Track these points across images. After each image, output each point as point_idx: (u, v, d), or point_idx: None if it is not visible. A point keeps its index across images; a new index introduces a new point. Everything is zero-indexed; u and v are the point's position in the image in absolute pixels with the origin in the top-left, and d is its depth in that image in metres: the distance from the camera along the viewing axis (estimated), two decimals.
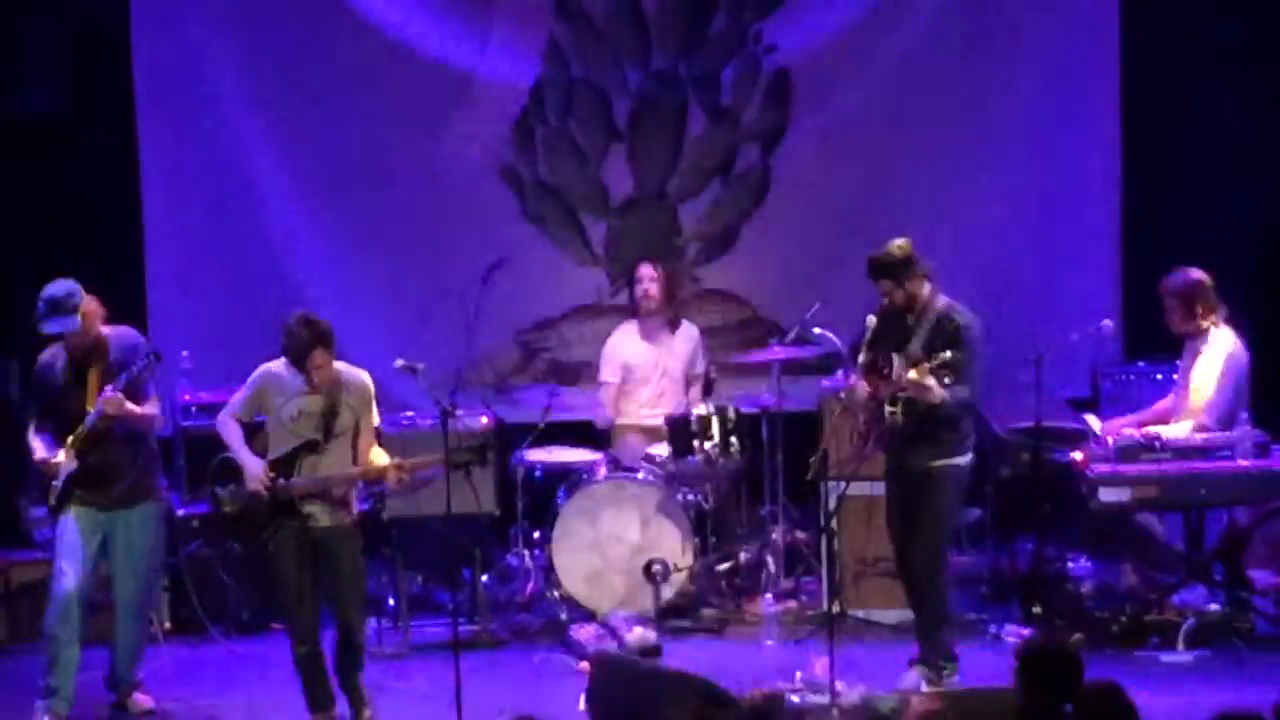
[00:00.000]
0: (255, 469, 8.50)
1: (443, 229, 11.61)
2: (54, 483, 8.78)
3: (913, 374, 8.66)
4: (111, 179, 11.29)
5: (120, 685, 9.07)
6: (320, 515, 8.51)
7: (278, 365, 8.55)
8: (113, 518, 8.84)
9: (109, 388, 8.65)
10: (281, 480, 8.47)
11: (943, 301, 8.97)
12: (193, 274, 11.49)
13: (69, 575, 8.78)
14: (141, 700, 9.13)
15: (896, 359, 8.78)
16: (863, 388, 8.97)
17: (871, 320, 8.98)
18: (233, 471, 8.60)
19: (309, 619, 8.56)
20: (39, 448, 8.84)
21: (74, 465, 8.73)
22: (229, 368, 10.90)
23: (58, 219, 11.05)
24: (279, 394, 8.51)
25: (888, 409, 8.80)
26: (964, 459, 8.98)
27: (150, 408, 8.82)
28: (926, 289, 8.96)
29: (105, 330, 8.84)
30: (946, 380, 8.65)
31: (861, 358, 8.99)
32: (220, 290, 11.48)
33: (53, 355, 8.86)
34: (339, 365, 8.51)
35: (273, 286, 11.42)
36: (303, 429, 8.49)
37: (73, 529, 8.80)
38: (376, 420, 8.67)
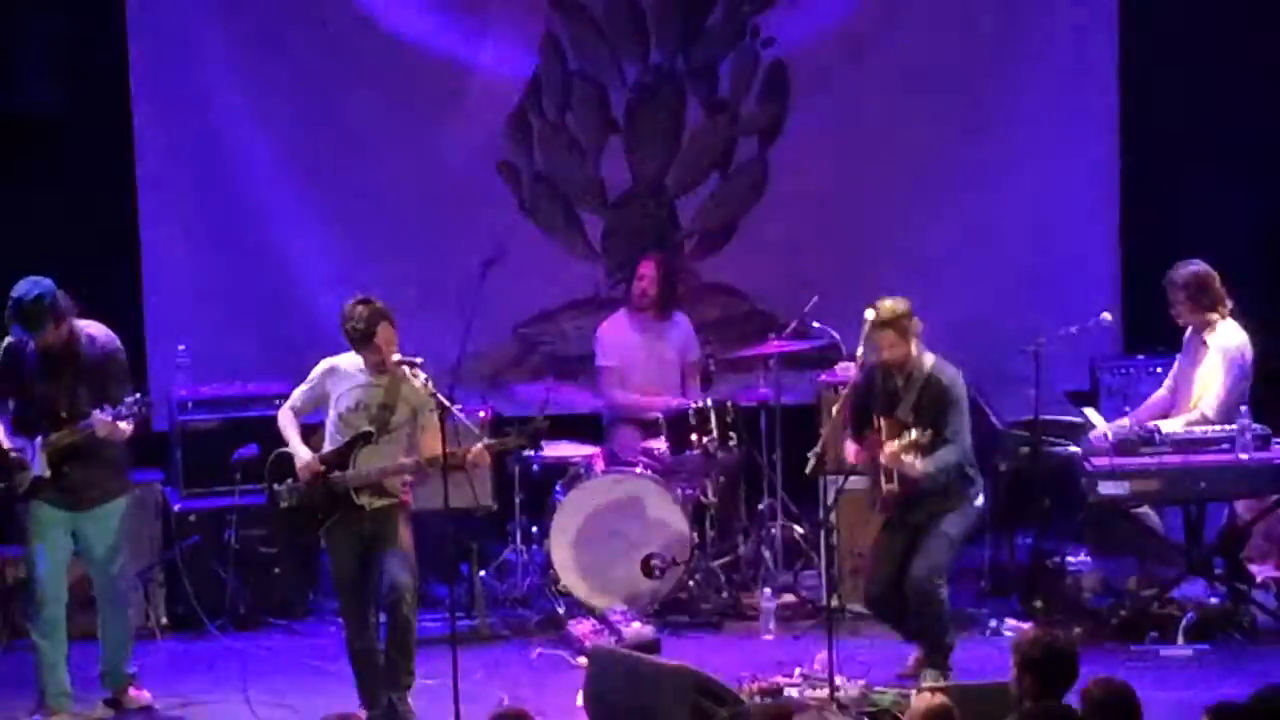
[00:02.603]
0: (306, 459, 8.55)
1: (440, 223, 11.57)
2: (21, 474, 8.68)
3: (891, 450, 8.71)
4: (109, 177, 11.23)
5: (114, 677, 9.04)
6: (371, 500, 8.56)
7: (339, 358, 8.65)
8: (84, 515, 8.81)
9: (102, 411, 8.56)
10: (337, 473, 8.52)
11: (930, 360, 9.00)
12: (190, 270, 11.42)
13: (46, 575, 8.78)
14: (138, 695, 9.11)
15: (885, 425, 8.83)
16: (853, 453, 9.07)
17: (853, 371, 9.02)
18: (289, 467, 8.63)
19: (364, 615, 8.59)
20: (4, 438, 8.75)
21: (48, 473, 8.67)
22: (226, 364, 10.94)
23: (55, 217, 11.01)
24: (338, 385, 8.61)
25: (883, 482, 8.88)
26: (973, 505, 9.08)
27: (124, 422, 8.71)
28: (915, 346, 8.97)
29: (78, 326, 8.74)
30: (921, 459, 8.72)
31: (849, 422, 9.08)
32: (218, 286, 11.41)
33: (24, 339, 8.72)
34: (406, 361, 8.51)
35: (270, 283, 11.40)
36: (358, 421, 8.56)
37: (45, 527, 8.77)
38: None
